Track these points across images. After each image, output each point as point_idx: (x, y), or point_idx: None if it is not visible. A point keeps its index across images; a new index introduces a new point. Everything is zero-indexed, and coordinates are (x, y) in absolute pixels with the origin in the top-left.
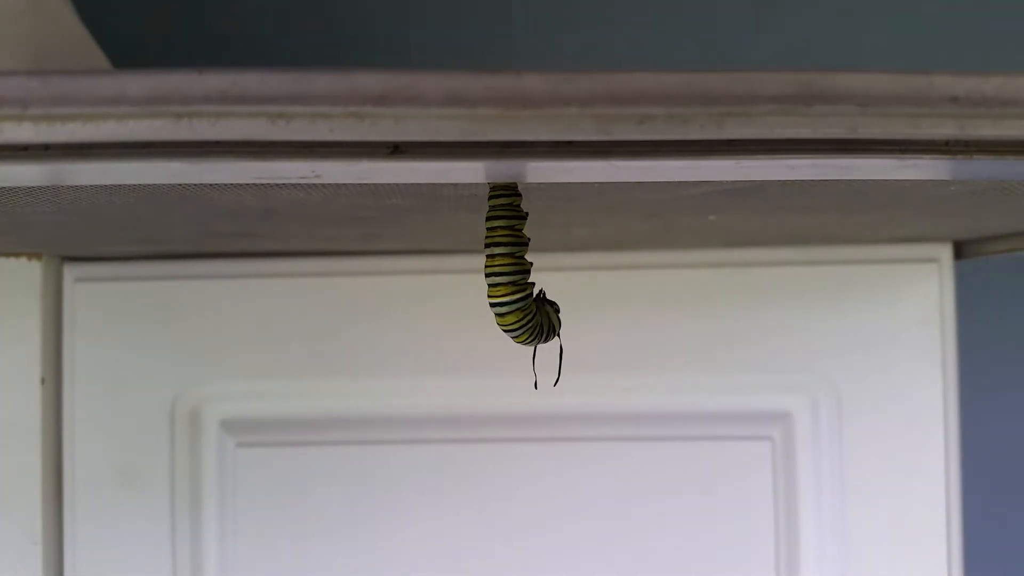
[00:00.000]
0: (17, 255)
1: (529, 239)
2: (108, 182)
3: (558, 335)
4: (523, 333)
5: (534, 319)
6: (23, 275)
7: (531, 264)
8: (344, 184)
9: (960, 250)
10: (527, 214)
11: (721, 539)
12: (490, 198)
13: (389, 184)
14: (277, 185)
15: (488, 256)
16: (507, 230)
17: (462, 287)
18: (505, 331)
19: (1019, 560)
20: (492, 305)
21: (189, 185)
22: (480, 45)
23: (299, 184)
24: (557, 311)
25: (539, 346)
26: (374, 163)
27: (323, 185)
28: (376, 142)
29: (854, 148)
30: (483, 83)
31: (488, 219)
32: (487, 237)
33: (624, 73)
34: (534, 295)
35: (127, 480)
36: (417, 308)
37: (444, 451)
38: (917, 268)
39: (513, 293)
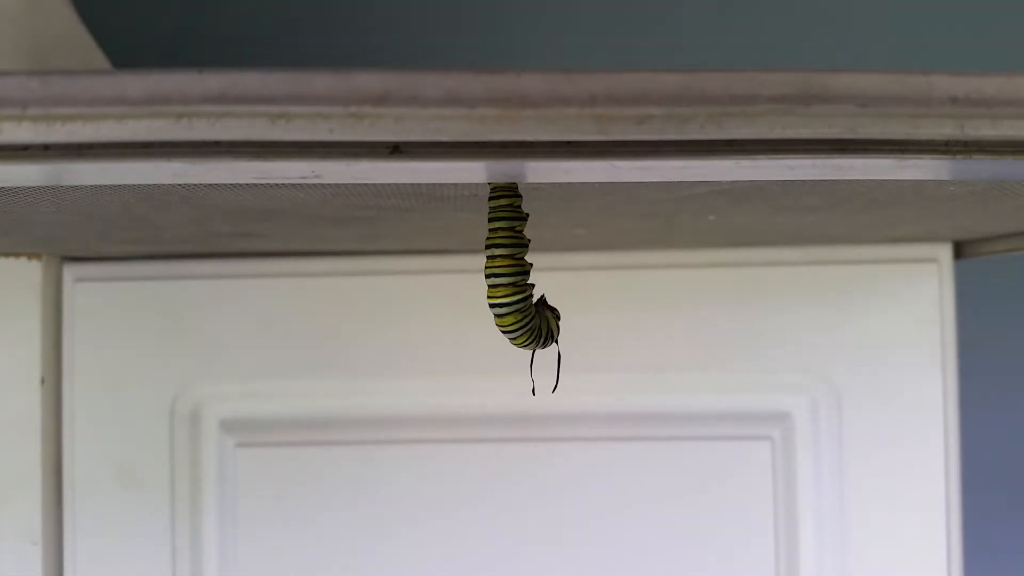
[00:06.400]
0: (17, 255)
1: (529, 240)
2: (108, 182)
3: (556, 341)
4: (521, 335)
5: (533, 321)
6: (23, 275)
7: (531, 265)
8: (344, 184)
9: (960, 250)
10: (527, 215)
11: (721, 539)
12: (491, 199)
13: (389, 184)
14: (277, 185)
15: (488, 257)
16: (508, 231)
17: (462, 287)
18: (504, 332)
19: (1019, 560)
20: (491, 306)
21: (189, 185)
22: (480, 45)
23: (299, 184)
24: (557, 317)
25: (538, 351)
26: (374, 163)
27: (323, 185)
28: (376, 142)
29: (854, 148)
30: (483, 83)
31: (489, 220)
32: (488, 238)
33: (624, 73)
34: (534, 299)
35: (127, 480)
36: (417, 308)
37: (444, 451)
38: (917, 268)
39: (513, 294)
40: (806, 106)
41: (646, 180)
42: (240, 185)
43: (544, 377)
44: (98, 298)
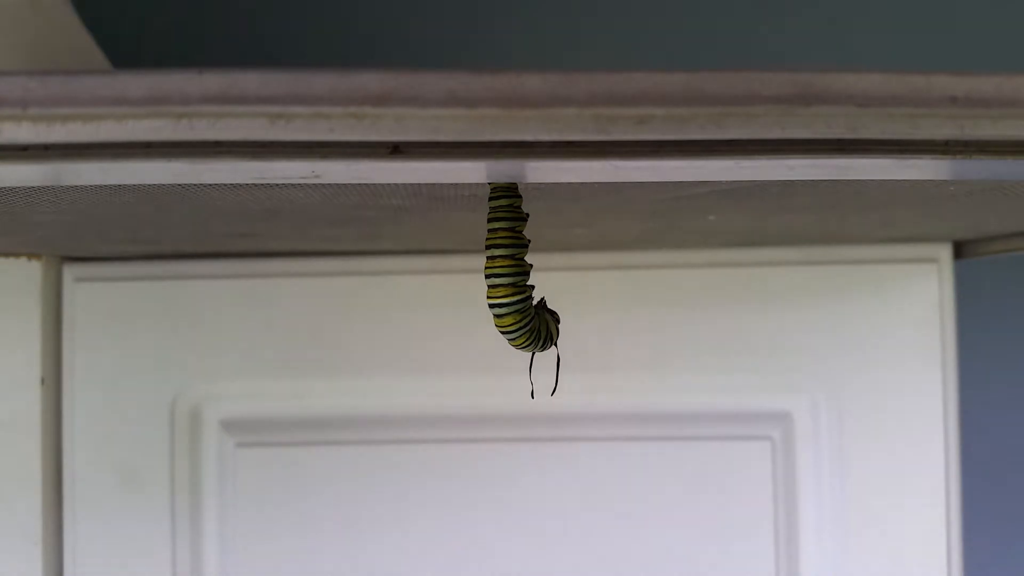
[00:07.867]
0: (17, 255)
1: (529, 241)
2: (108, 182)
3: (555, 344)
4: (520, 336)
5: (532, 322)
6: (23, 275)
7: (531, 266)
8: (344, 184)
9: (960, 250)
10: (527, 216)
11: (721, 539)
12: (491, 199)
13: (389, 184)
14: (277, 185)
15: (488, 257)
16: (508, 231)
17: (462, 287)
18: (503, 333)
19: (1019, 560)
20: (491, 306)
21: (189, 185)
22: (480, 45)
23: (299, 184)
24: (557, 321)
25: (537, 354)
26: (374, 163)
27: (323, 185)
28: (376, 142)
29: (853, 148)
30: (483, 83)
31: (489, 220)
32: (488, 238)
33: (624, 73)
34: (535, 302)
35: (127, 480)
36: (417, 308)
37: (444, 451)
38: (917, 268)
39: (512, 295)
40: (806, 106)
41: (646, 180)
42: (240, 185)
43: (544, 378)
44: (98, 298)
